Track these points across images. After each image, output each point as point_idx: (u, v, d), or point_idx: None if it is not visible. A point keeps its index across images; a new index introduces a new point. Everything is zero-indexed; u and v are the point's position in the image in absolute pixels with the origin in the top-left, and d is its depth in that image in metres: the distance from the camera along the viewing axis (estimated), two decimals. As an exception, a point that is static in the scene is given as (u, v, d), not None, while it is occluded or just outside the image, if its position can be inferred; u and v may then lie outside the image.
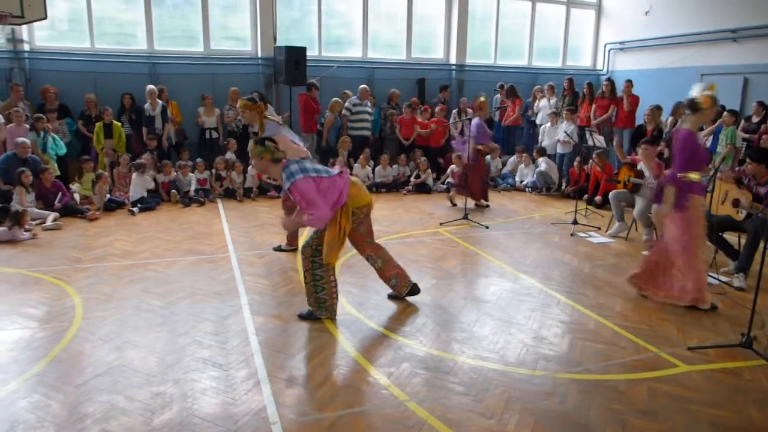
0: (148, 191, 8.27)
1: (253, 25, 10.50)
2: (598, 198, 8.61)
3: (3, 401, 3.10)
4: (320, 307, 4.26)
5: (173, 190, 8.46)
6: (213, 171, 8.92)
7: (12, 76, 8.98)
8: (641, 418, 3.11)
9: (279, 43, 10.19)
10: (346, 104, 10.02)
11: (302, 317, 4.31)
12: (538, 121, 10.85)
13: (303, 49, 9.58)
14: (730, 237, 5.73)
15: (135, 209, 7.75)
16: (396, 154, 10.20)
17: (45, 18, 8.08)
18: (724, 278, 5.44)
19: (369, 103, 10.15)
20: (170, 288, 4.89)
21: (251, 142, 4.08)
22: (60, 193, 7.57)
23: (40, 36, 9.44)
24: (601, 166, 8.48)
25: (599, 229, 7.34)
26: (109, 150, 8.66)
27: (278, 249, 6.10)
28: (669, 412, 3.18)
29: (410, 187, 9.76)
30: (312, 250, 4.15)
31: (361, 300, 4.72)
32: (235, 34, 10.64)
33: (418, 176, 9.86)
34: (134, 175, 8.14)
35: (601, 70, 12.99)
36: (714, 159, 6.45)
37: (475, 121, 8.31)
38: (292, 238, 6.10)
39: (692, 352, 3.92)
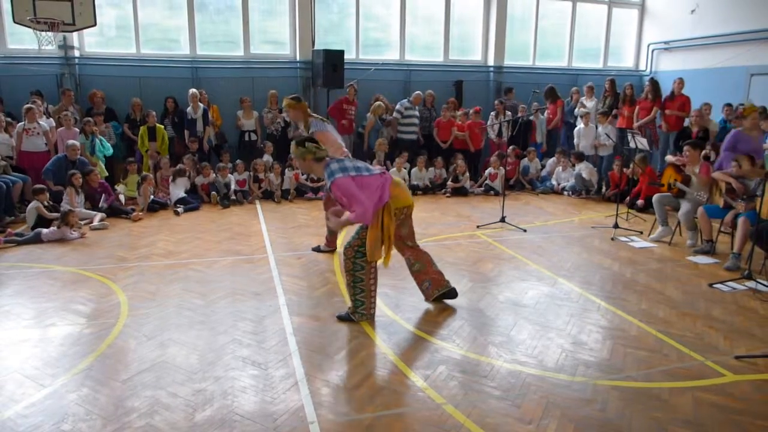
0: (189, 192, 8.48)
1: (291, 29, 10.66)
2: (640, 201, 8.40)
3: (54, 394, 3.23)
4: (356, 310, 4.28)
5: (213, 192, 8.64)
6: (251, 173, 9.08)
7: (63, 82, 9.35)
8: (686, 429, 3.01)
9: (317, 47, 10.31)
10: (398, 107, 10.10)
11: (340, 318, 4.35)
12: (578, 123, 10.62)
13: (341, 53, 9.67)
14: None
15: (180, 209, 7.96)
16: (433, 157, 10.18)
17: (94, 25, 8.44)
18: (774, 285, 5.23)
19: (418, 108, 10.19)
20: (210, 287, 5.01)
21: (293, 144, 4.14)
22: (105, 194, 7.83)
23: (89, 42, 9.81)
24: (642, 169, 8.26)
25: (641, 233, 7.15)
26: (153, 152, 8.92)
27: (317, 249, 6.16)
28: (715, 423, 3.07)
29: (447, 190, 9.72)
30: (354, 251, 4.15)
31: (397, 302, 4.72)
32: (274, 38, 10.81)
33: (456, 179, 9.81)
34: (171, 183, 8.39)
35: (644, 71, 12.67)
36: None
37: (732, 132, 7.35)
38: (331, 239, 6.15)
39: (740, 361, 3.79)
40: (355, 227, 4.19)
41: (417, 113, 10.13)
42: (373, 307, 4.31)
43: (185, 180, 8.49)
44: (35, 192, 7.00)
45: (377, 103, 10.02)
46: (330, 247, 6.15)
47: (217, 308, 4.53)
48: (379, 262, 4.18)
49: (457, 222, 7.74)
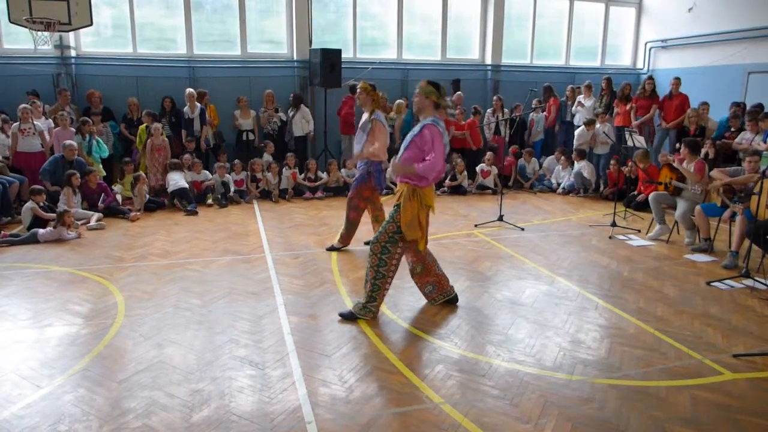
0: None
1: (288, 29, 10.64)
2: (641, 197, 8.31)
3: (50, 395, 3.22)
4: (366, 305, 4.28)
5: (209, 195, 8.57)
6: (249, 173, 9.06)
7: (59, 82, 9.32)
8: (684, 427, 3.01)
9: (314, 46, 10.29)
10: None
11: (343, 317, 4.33)
12: (575, 122, 10.61)
13: (338, 52, 9.65)
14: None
15: (191, 207, 7.98)
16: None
17: (91, 25, 8.43)
18: (772, 283, 5.23)
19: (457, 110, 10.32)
20: (207, 287, 4.99)
21: (424, 81, 4.22)
22: (103, 194, 7.81)
23: (85, 42, 9.78)
24: (644, 168, 8.23)
25: (639, 231, 7.15)
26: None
27: (331, 249, 6.12)
28: (713, 422, 3.07)
29: (445, 189, 9.73)
30: (381, 246, 4.18)
31: (395, 301, 4.71)
32: (272, 38, 10.79)
33: (454, 178, 9.81)
34: (170, 174, 8.34)
35: (642, 69, 12.68)
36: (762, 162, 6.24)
37: None
38: (347, 237, 6.12)
39: (738, 360, 3.79)
40: (383, 223, 4.28)
41: (455, 113, 10.22)
42: (380, 306, 4.34)
43: (182, 174, 8.46)
44: (32, 192, 6.97)
45: (399, 101, 10.02)
46: (343, 244, 6.14)
47: (214, 308, 4.52)
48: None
49: (455, 221, 7.73)
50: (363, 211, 6.05)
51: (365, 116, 5.83)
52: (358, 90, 5.86)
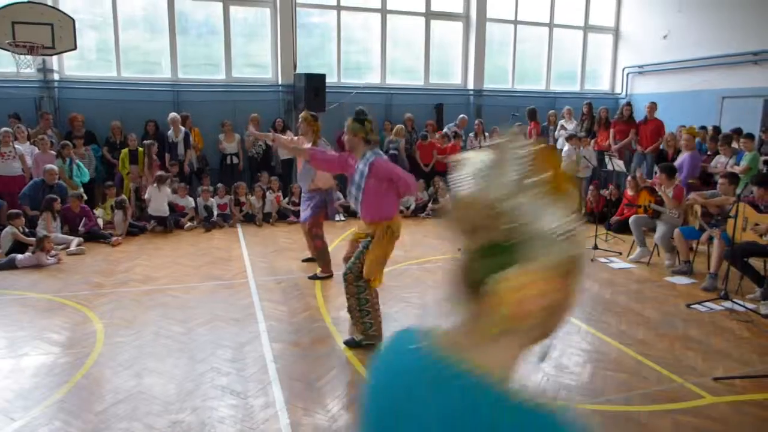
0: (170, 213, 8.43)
1: (273, 53, 10.71)
2: (614, 219, 8.44)
3: (24, 428, 3.14)
4: (367, 332, 4.21)
5: (190, 222, 8.53)
6: (232, 196, 9.02)
7: (42, 105, 9.26)
8: (666, 453, 3.02)
9: (299, 71, 10.37)
10: (445, 130, 10.63)
11: (348, 344, 4.26)
12: (559, 146, 10.75)
13: (322, 76, 9.74)
14: (756, 262, 5.62)
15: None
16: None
17: (75, 49, 8.40)
18: (750, 305, 5.31)
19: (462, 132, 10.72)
20: (189, 314, 4.93)
21: (350, 119, 4.22)
22: (85, 218, 7.72)
23: (69, 66, 9.74)
24: (633, 194, 8.33)
25: (620, 254, 7.24)
26: (135, 176, 8.82)
27: (314, 277, 5.99)
28: (695, 447, 3.09)
29: (429, 212, 9.77)
30: (354, 276, 4.12)
31: (379, 327, 4.69)
32: (256, 62, 10.86)
33: (436, 201, 9.86)
34: (153, 188, 8.27)
35: (620, 94, 12.95)
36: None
37: (687, 155, 7.90)
38: (326, 266, 6.01)
39: (718, 383, 3.82)
40: (355, 252, 4.18)
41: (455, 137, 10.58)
42: (381, 326, 4.26)
43: (167, 191, 8.40)
44: (10, 217, 6.87)
45: (399, 126, 10.14)
46: (325, 273, 5.98)
47: (195, 335, 4.47)
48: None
49: (439, 244, 7.75)
50: (324, 237, 6.00)
51: (308, 147, 5.74)
52: (299, 119, 5.81)
